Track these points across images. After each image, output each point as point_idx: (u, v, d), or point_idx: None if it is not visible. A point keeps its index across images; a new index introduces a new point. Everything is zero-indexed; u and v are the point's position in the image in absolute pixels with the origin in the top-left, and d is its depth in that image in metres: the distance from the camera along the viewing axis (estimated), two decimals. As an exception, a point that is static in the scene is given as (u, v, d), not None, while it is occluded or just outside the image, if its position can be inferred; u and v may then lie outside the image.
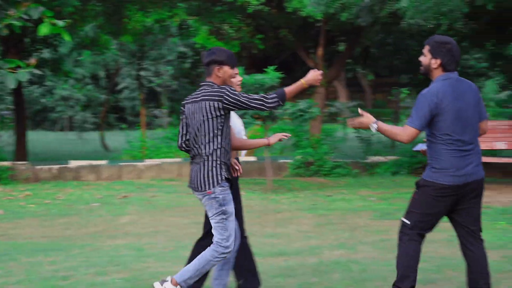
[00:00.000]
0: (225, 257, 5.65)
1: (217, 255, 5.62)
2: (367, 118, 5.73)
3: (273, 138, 6.10)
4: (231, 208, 5.65)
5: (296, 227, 10.30)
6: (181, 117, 5.85)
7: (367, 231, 9.72)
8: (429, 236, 9.19)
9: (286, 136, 6.12)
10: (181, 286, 5.63)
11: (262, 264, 7.17)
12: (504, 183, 14.88)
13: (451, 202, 5.70)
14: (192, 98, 5.73)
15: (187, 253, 8.50)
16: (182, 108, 5.83)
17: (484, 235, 5.90)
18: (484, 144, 13.82)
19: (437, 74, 5.69)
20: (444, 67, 5.66)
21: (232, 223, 5.65)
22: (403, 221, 5.83)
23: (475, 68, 24.82)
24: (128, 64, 33.35)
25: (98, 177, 16.72)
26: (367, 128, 5.77)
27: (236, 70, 5.85)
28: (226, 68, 5.73)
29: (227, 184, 5.64)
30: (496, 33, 19.50)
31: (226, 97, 5.54)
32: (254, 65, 23.84)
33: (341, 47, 23.10)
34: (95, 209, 12.43)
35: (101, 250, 8.87)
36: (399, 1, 11.03)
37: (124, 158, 19.47)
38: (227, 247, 5.61)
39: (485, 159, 11.31)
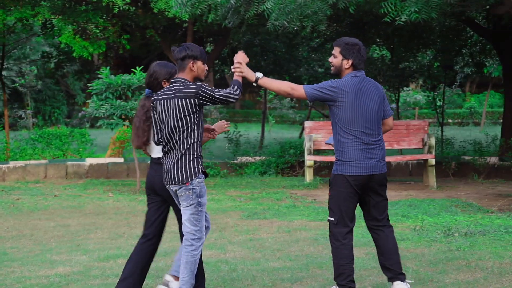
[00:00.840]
0: (200, 246, 5.88)
1: (193, 249, 5.85)
2: (250, 73, 5.99)
3: (217, 129, 6.37)
4: (205, 200, 5.89)
5: (166, 228, 10.25)
6: (152, 114, 5.98)
7: (236, 231, 9.81)
8: (295, 235, 9.41)
9: (228, 125, 6.43)
10: None
11: (131, 266, 7.10)
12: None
13: (358, 192, 6.03)
14: (163, 94, 5.86)
15: (54, 257, 8.37)
16: (152, 104, 5.94)
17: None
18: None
19: (347, 73, 6.10)
20: (355, 66, 6.11)
21: (204, 215, 5.91)
22: (328, 220, 6.12)
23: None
24: (-11, 64, 32.30)
25: (-42, 181, 16.14)
26: (250, 79, 6.03)
27: (206, 66, 6.00)
28: (199, 63, 5.90)
29: (203, 176, 5.88)
30: (358, 35, 20.09)
31: (202, 94, 5.74)
32: (121, 65, 23.58)
33: (209, 47, 23.21)
34: (-44, 214, 11.99)
35: (-38, 256, 8.58)
36: (264, 3, 11.15)
37: (-14, 160, 18.86)
38: (200, 238, 5.87)
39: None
